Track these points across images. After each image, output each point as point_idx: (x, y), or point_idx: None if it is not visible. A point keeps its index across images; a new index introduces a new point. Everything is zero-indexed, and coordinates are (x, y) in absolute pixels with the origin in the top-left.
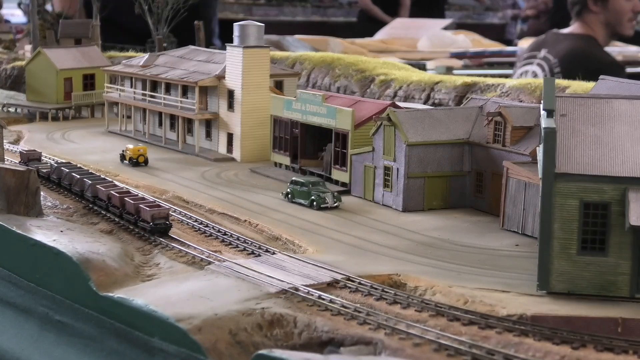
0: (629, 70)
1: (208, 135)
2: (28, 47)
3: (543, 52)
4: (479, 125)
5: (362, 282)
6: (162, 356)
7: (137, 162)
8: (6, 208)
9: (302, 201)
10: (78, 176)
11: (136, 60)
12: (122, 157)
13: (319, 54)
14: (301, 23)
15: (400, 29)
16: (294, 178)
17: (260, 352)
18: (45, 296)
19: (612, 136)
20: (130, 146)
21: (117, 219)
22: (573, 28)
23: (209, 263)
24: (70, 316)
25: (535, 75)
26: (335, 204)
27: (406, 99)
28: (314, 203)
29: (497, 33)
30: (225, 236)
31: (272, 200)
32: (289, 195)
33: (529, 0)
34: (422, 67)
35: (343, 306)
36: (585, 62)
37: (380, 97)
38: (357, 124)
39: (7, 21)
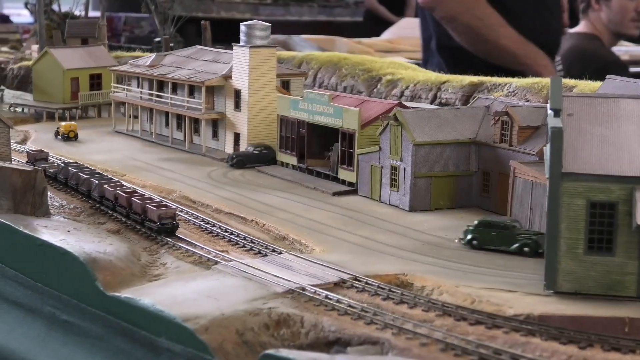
0: (633, 69)
1: (215, 135)
2: (35, 47)
3: None
4: (486, 125)
5: (368, 281)
6: (169, 356)
7: (68, 137)
8: (13, 208)
9: (500, 248)
10: (85, 176)
11: (143, 60)
12: (57, 133)
13: (325, 54)
14: (308, 23)
15: (406, 28)
16: (480, 219)
17: (267, 352)
18: (52, 296)
19: (619, 136)
20: (63, 123)
21: (124, 219)
22: (579, 27)
23: (216, 263)
24: (77, 316)
25: None
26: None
27: (413, 98)
28: (527, 249)
29: None
30: (232, 236)
31: (279, 199)
32: (474, 242)
33: None
34: None
35: (350, 306)
36: (586, 61)
37: (387, 97)
38: (363, 124)
39: (8, 20)
